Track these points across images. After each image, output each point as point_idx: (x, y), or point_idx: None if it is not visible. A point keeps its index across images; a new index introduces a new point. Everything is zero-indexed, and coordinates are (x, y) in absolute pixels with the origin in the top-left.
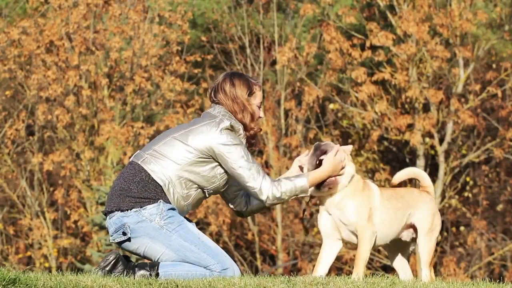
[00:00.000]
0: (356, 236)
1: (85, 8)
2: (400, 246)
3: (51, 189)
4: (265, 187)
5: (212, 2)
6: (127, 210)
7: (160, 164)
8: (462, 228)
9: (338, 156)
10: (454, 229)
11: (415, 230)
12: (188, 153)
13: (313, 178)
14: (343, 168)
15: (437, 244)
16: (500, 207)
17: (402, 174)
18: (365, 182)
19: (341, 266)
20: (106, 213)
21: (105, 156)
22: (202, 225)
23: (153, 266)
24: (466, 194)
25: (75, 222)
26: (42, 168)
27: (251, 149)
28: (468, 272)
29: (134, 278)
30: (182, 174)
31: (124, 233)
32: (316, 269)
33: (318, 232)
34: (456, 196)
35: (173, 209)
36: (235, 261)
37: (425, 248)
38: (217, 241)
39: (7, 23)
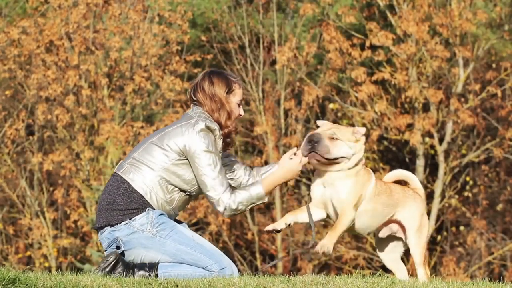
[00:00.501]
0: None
1: (85, 7)
2: (390, 247)
3: (51, 188)
4: (223, 199)
5: (212, 2)
6: (117, 224)
7: (140, 172)
8: (462, 227)
9: (294, 160)
10: (454, 228)
11: (402, 228)
12: (165, 156)
13: (268, 185)
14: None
15: (437, 243)
16: (500, 207)
17: (391, 176)
18: (367, 169)
19: (341, 266)
20: (97, 229)
21: (105, 156)
22: (202, 225)
23: (152, 266)
24: (466, 193)
25: (75, 222)
26: (42, 168)
27: (227, 149)
28: (468, 272)
29: (134, 278)
30: (162, 179)
31: (117, 247)
32: (289, 214)
33: (317, 232)
34: (456, 196)
35: (162, 214)
36: (234, 261)
37: (417, 246)
38: (216, 241)
39: (7, 22)
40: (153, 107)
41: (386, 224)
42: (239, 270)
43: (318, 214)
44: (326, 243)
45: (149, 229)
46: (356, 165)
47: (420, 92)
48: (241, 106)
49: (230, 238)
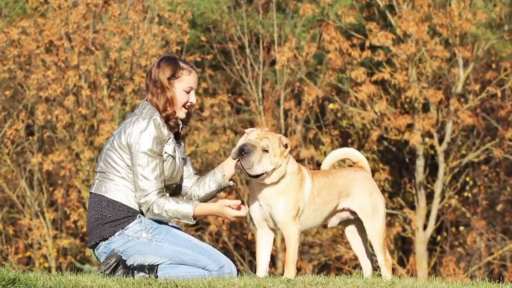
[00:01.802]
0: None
1: (84, 8)
2: (356, 230)
3: (51, 189)
4: (148, 201)
5: (212, 2)
6: (111, 236)
7: (110, 182)
8: (461, 228)
9: (231, 212)
10: (453, 229)
11: (352, 214)
12: (123, 160)
13: (200, 211)
14: (237, 218)
15: (437, 244)
16: (499, 207)
17: (330, 159)
18: (299, 174)
19: (340, 266)
20: (91, 247)
21: None
22: (202, 225)
23: (151, 268)
24: (465, 194)
25: (75, 222)
26: (41, 168)
27: (175, 130)
28: (468, 272)
29: (134, 279)
30: (130, 180)
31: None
32: (258, 265)
33: (317, 233)
34: (456, 196)
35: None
36: (234, 261)
37: (373, 231)
38: (216, 241)
39: (6, 23)
40: None
41: (332, 215)
42: (238, 270)
43: (270, 237)
44: (288, 277)
45: (144, 236)
46: (282, 177)
47: (420, 92)
48: (191, 93)
49: (230, 238)
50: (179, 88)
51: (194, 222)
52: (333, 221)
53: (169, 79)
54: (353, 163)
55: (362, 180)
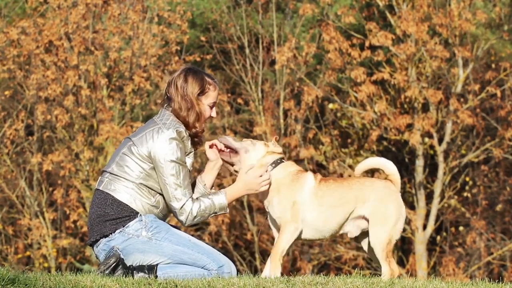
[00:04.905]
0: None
1: (84, 8)
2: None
3: (50, 189)
4: (185, 209)
5: (211, 2)
6: (111, 233)
7: (120, 183)
8: (461, 228)
9: (252, 172)
10: (453, 229)
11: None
12: (139, 166)
13: (231, 195)
14: (264, 182)
15: (436, 244)
16: (499, 207)
17: (363, 166)
18: (298, 174)
19: (340, 266)
20: (91, 244)
21: (104, 156)
22: (201, 225)
23: (151, 268)
24: (465, 194)
25: (75, 222)
26: (41, 168)
27: (196, 148)
28: (467, 272)
29: (133, 279)
30: (141, 186)
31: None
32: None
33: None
34: (455, 196)
35: (156, 218)
36: (233, 261)
37: (376, 240)
38: (216, 241)
39: (6, 23)
40: (152, 107)
41: (348, 220)
42: (238, 270)
43: None
44: (272, 272)
45: (144, 234)
46: (278, 176)
47: (420, 92)
48: (214, 108)
49: (230, 238)
50: (205, 104)
51: (228, 210)
52: (352, 231)
53: (198, 95)
54: (386, 175)
55: (382, 189)
